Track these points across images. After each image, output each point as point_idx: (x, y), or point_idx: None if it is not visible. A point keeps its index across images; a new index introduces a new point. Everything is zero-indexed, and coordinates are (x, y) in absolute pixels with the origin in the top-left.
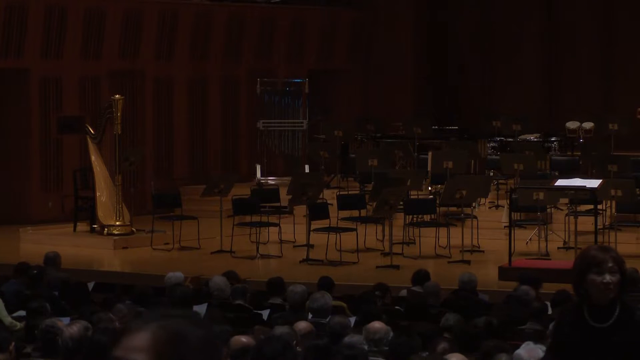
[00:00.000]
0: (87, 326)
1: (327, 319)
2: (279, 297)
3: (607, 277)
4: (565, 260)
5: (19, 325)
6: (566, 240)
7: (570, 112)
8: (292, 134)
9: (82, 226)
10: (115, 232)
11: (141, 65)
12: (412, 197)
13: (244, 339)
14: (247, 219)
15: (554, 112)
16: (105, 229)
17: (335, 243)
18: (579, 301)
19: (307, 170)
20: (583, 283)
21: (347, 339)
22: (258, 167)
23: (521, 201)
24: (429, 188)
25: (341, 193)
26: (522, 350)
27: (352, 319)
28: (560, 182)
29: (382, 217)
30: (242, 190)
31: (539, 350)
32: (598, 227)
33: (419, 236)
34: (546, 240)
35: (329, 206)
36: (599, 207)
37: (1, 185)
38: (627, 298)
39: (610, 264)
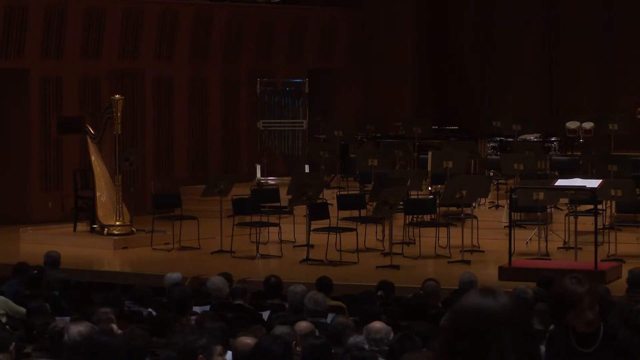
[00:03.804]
0: (93, 327)
1: (326, 319)
2: (278, 298)
3: (589, 314)
4: (565, 261)
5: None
6: (566, 240)
7: (570, 112)
8: (292, 134)
9: (82, 226)
10: (115, 232)
11: (141, 65)
12: (412, 197)
13: (248, 340)
14: (247, 219)
15: (554, 112)
16: (105, 229)
17: (335, 243)
18: (565, 327)
19: (307, 170)
20: (564, 318)
21: (351, 340)
22: (258, 167)
23: (521, 201)
24: (429, 188)
25: (341, 193)
26: None
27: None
28: (560, 182)
29: (382, 217)
30: (242, 190)
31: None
32: (598, 227)
33: (419, 236)
34: (546, 240)
35: (329, 206)
36: (599, 207)
37: (1, 185)
38: (616, 310)
39: (588, 300)
